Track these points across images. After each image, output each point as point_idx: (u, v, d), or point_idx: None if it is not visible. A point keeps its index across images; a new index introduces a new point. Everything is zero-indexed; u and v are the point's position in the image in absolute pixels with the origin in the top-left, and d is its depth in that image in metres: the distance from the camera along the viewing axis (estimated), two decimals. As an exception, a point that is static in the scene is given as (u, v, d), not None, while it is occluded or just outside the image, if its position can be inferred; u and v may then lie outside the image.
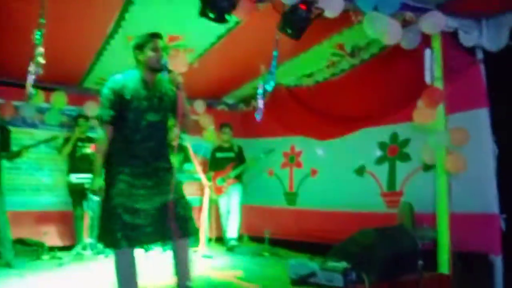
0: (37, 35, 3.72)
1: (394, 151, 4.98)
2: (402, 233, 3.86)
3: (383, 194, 5.02)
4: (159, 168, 2.87)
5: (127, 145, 2.79)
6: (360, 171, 5.30)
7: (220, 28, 4.08)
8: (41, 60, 3.82)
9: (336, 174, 5.60)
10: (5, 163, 4.96)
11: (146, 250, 5.19)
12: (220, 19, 3.27)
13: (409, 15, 3.76)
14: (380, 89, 4.96)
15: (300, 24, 3.43)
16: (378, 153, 5.15)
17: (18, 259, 4.84)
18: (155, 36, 2.82)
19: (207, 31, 4.22)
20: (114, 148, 2.80)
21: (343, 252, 3.83)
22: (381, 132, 5.10)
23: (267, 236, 5.68)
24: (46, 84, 5.62)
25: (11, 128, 5.17)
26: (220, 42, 4.52)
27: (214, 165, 6.23)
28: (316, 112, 5.82)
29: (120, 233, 2.67)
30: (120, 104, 2.74)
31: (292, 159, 6.33)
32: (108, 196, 2.75)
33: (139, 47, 2.82)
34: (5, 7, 3.77)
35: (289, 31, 3.49)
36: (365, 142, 5.27)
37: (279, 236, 5.94)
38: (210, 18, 3.26)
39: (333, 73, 5.46)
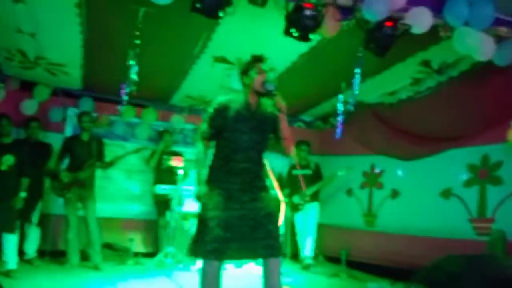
0: (131, 55, 4.05)
1: (485, 174, 4.63)
2: (494, 262, 3.56)
3: (472, 220, 4.68)
4: (255, 185, 2.94)
5: (226, 163, 2.90)
6: (446, 194, 4.99)
7: (302, 46, 4.12)
8: (134, 78, 4.14)
9: (420, 196, 5.32)
10: (99, 172, 5.39)
11: (238, 265, 5.33)
12: (304, 38, 3.31)
13: (503, 30, 3.54)
14: (470, 108, 4.66)
15: (385, 42, 3.36)
16: (467, 175, 4.82)
17: (106, 263, 5.17)
18: (259, 59, 2.89)
19: (289, 50, 4.28)
20: (213, 164, 2.95)
21: (427, 279, 3.60)
22: (471, 153, 4.78)
23: (344, 257, 5.53)
24: (137, 101, 6.07)
25: (105, 141, 5.61)
26: (301, 60, 4.55)
27: (290, 182, 6.23)
28: (399, 131, 5.61)
29: (211, 245, 2.76)
30: (222, 124, 2.87)
31: (372, 179, 6.13)
32: (204, 208, 2.86)
33: (245, 71, 2.92)
34: (104, 28, 4.12)
35: (374, 48, 3.44)
36: (452, 163, 4.96)
37: (356, 258, 5.75)
38: (294, 37, 3.32)
39: (418, 91, 5.23)
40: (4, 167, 4.44)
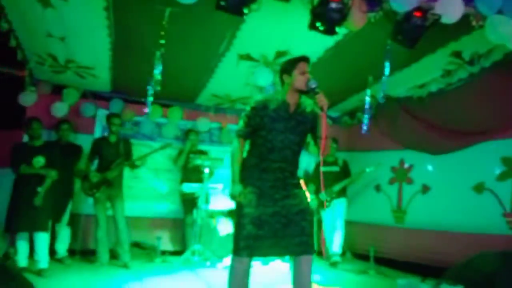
0: (157, 55, 4.08)
1: (520, 167, 4.49)
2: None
3: (506, 214, 4.53)
4: (288, 183, 2.93)
5: (260, 162, 2.91)
6: (479, 188, 4.85)
7: (328, 41, 4.07)
8: (159, 78, 4.17)
9: (451, 191, 5.18)
10: (127, 172, 5.47)
11: (265, 262, 5.33)
12: (330, 31, 3.27)
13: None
14: (504, 99, 4.51)
15: (414, 33, 3.29)
16: (500, 169, 4.67)
17: (134, 261, 5.24)
18: (303, 59, 2.90)
19: (315, 44, 4.22)
20: (248, 162, 2.95)
21: (459, 276, 3.52)
22: (505, 146, 4.63)
23: (372, 254, 5.45)
24: (163, 101, 6.13)
25: (133, 141, 5.69)
26: (327, 54, 4.49)
27: (317, 178, 6.16)
28: (429, 124, 5.47)
29: (243, 242, 2.78)
30: (259, 123, 2.88)
31: (401, 174, 6.01)
32: (238, 206, 2.89)
33: (287, 70, 2.91)
34: (130, 30, 4.17)
35: (403, 40, 3.36)
36: (485, 156, 4.82)
37: (385, 254, 5.67)
38: (319, 31, 3.27)
39: (449, 83, 5.09)
40: (34, 169, 4.55)
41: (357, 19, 3.29)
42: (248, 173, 2.92)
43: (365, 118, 5.26)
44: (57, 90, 5.86)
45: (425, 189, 5.62)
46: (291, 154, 2.92)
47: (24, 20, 4.02)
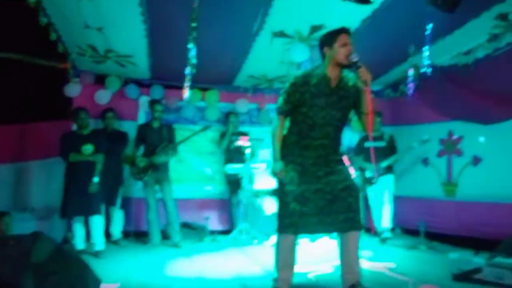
0: (190, 38, 4.11)
1: None
2: None
3: None
4: (331, 159, 2.88)
5: (301, 139, 2.87)
6: (534, 157, 4.58)
7: (364, 11, 3.92)
8: (195, 62, 4.21)
9: (504, 161, 4.93)
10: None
11: (313, 239, 5.35)
12: (365, 0, 3.13)
13: None
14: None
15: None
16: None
17: (185, 241, 5.42)
18: (345, 31, 2.78)
19: (350, 16, 4.08)
20: (288, 140, 2.93)
21: (514, 249, 3.37)
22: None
23: (422, 228, 5.30)
24: (202, 85, 6.21)
25: (175, 126, 5.84)
26: (364, 25, 4.33)
27: (361, 154, 6.03)
28: (478, 93, 5.19)
29: (287, 220, 2.79)
30: (299, 99, 2.82)
31: (450, 147, 5.77)
32: (281, 184, 2.88)
33: (328, 43, 2.80)
34: (164, 15, 4.21)
35: (443, 5, 3.18)
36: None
37: (436, 229, 5.50)
38: (354, 0, 3.15)
39: (496, 48, 4.77)
40: (84, 157, 4.77)
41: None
42: (289, 150, 2.89)
43: (409, 90, 5.07)
44: (100, 80, 6.05)
45: (476, 160, 5.37)
46: (333, 131, 2.86)
47: (62, 13, 4.15)
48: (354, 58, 2.67)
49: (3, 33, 4.59)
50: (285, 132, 2.96)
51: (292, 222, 2.78)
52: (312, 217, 2.79)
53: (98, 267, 3.06)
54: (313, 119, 2.81)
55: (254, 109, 6.75)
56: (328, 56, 2.80)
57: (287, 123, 2.98)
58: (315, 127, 2.82)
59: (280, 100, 2.91)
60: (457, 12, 3.26)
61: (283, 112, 2.91)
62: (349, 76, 2.85)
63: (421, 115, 6.05)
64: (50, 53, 5.10)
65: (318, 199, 2.79)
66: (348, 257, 2.84)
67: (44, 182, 5.61)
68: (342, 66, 2.78)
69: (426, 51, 4.16)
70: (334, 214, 2.79)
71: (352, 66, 2.69)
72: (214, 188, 6.53)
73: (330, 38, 2.79)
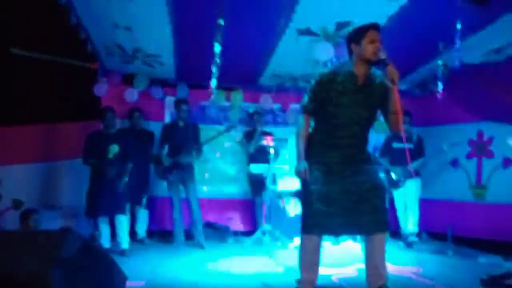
0: (216, 37, 4.12)
1: None
2: None
3: None
4: (357, 158, 2.82)
5: (327, 138, 2.82)
6: None
7: (391, 7, 3.85)
8: (220, 61, 4.21)
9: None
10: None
11: (336, 242, 5.29)
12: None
13: None
14: None
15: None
16: None
17: (208, 241, 5.41)
18: (373, 27, 2.70)
19: (377, 12, 4.00)
20: (314, 139, 2.87)
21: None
22: None
23: (450, 233, 5.16)
24: (226, 84, 6.20)
25: (200, 126, 5.81)
26: (391, 22, 4.25)
27: (388, 156, 5.90)
28: (509, 92, 5.03)
29: (312, 220, 2.74)
30: (324, 98, 2.76)
31: (480, 148, 5.61)
32: (305, 183, 2.82)
33: (355, 39, 2.73)
34: (190, 14, 4.23)
35: (474, -1, 3.09)
36: None
37: (464, 233, 5.35)
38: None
39: (530, 46, 4.63)
40: (110, 155, 4.83)
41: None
42: (314, 149, 2.83)
43: (438, 89, 4.95)
44: (128, 80, 6.12)
45: (507, 162, 5.21)
46: (360, 130, 2.79)
47: (91, 12, 4.22)
48: (382, 55, 2.60)
49: (34, 33, 4.71)
50: (310, 131, 2.91)
51: (317, 222, 2.72)
52: (337, 217, 2.72)
53: (123, 265, 3.08)
54: (339, 118, 2.75)
55: (278, 109, 6.72)
56: (355, 52, 2.73)
57: (312, 122, 2.93)
58: (341, 126, 2.76)
59: (305, 98, 2.86)
60: (489, 7, 3.15)
61: (307, 111, 2.86)
62: (377, 73, 2.78)
63: (450, 115, 5.93)
64: (79, 53, 5.19)
65: (344, 199, 2.72)
66: (374, 259, 2.76)
67: (72, 182, 5.71)
68: (369, 63, 2.71)
69: (456, 49, 4.04)
70: (360, 215, 2.71)
71: (380, 63, 2.62)
72: (238, 188, 6.52)
73: (358, 34, 2.71)
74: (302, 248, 2.85)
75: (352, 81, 2.74)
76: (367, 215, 2.70)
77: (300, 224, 2.83)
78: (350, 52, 2.78)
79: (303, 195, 2.85)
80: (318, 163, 2.79)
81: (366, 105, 2.76)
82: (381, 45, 2.66)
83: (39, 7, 4.17)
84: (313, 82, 2.82)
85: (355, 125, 2.76)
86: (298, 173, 2.83)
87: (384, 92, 2.72)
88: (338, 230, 2.82)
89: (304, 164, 2.79)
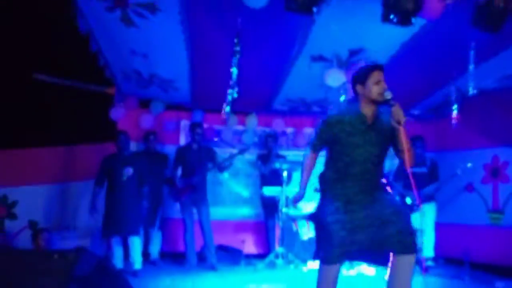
0: (233, 63, 4.21)
1: None
2: None
3: None
4: (374, 188, 2.82)
5: (341, 177, 2.82)
6: None
7: (403, 34, 3.90)
8: (235, 86, 4.29)
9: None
10: (210, 178, 5.68)
11: (351, 265, 5.21)
12: (405, 22, 3.12)
13: None
14: None
15: (497, 17, 3.04)
16: None
17: (220, 264, 5.40)
18: (378, 68, 2.75)
19: (390, 39, 4.08)
20: (327, 176, 2.88)
21: None
22: None
23: (467, 258, 5.06)
24: (240, 108, 6.28)
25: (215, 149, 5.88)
26: (404, 50, 4.30)
27: (402, 180, 5.86)
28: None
29: (337, 249, 2.68)
30: (332, 138, 2.80)
31: (495, 173, 5.55)
32: (323, 214, 2.81)
33: (361, 80, 2.77)
34: (205, 41, 4.35)
35: (485, 26, 3.12)
36: None
37: (481, 258, 5.25)
38: (393, 23, 3.15)
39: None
40: (124, 178, 4.90)
41: (433, 8, 3.12)
42: (329, 185, 2.85)
43: (453, 114, 4.94)
44: (144, 104, 6.25)
45: (523, 187, 5.14)
46: (373, 166, 2.79)
47: (110, 40, 4.37)
48: (388, 95, 2.64)
49: (55, 59, 4.87)
50: (323, 167, 2.93)
51: (343, 251, 2.67)
52: (362, 244, 2.69)
53: (136, 286, 3.10)
54: (350, 157, 2.76)
55: (291, 133, 6.77)
56: (361, 94, 2.77)
57: (322, 159, 2.95)
58: (353, 164, 2.76)
59: (313, 135, 2.92)
60: (501, 33, 3.18)
61: (313, 148, 2.91)
62: (385, 111, 2.78)
63: (464, 140, 5.89)
64: (97, 78, 5.35)
65: (368, 225, 2.70)
66: (400, 282, 2.70)
67: (87, 203, 5.78)
68: (376, 103, 2.74)
69: (469, 75, 4.06)
70: (386, 238, 2.67)
71: (386, 103, 2.65)
72: (251, 211, 6.52)
73: (362, 76, 2.74)
74: (322, 279, 2.78)
75: (361, 121, 2.76)
76: (393, 237, 2.65)
77: (319, 257, 2.79)
78: (356, 93, 2.81)
79: (323, 227, 2.80)
80: (335, 195, 2.79)
81: (377, 144, 2.77)
82: (385, 85, 2.68)
83: (61, 35, 4.32)
84: (321, 122, 2.86)
85: (367, 163, 2.77)
86: (294, 200, 2.97)
87: (392, 130, 2.72)
88: (362, 257, 2.79)
89: (302, 193, 2.92)
